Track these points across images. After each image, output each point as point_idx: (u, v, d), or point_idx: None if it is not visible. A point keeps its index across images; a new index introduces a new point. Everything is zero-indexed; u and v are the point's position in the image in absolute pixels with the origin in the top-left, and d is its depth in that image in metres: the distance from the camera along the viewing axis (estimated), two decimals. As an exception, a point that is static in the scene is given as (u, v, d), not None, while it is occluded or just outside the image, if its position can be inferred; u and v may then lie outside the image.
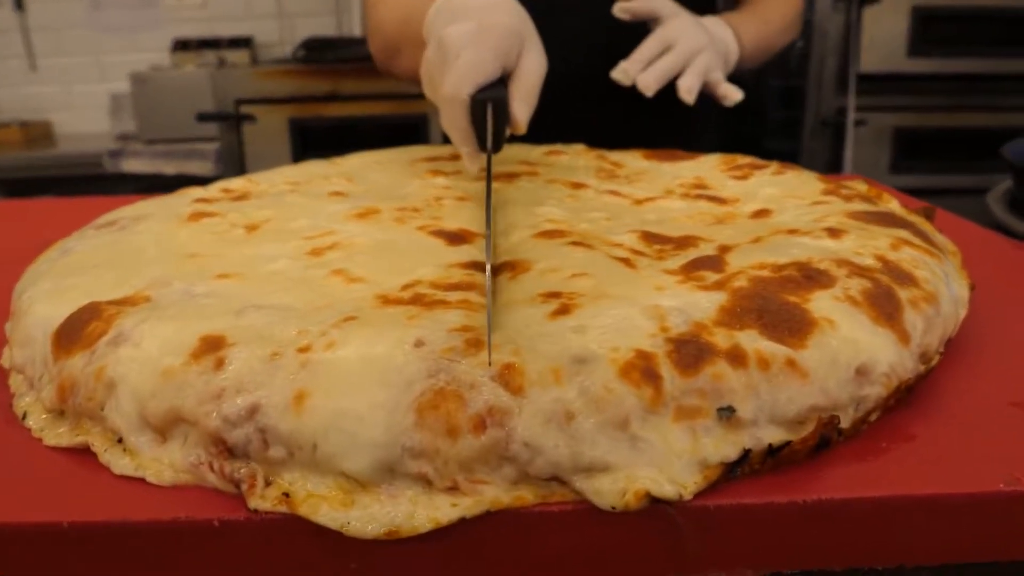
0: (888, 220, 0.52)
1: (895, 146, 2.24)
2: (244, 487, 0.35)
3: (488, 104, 0.58)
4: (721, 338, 0.37)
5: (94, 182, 2.27)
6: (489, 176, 0.53)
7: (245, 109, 2.18)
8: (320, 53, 2.27)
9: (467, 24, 0.60)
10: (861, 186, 0.64)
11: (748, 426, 0.36)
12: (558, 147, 0.83)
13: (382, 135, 2.17)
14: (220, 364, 0.37)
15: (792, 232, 0.51)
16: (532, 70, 0.63)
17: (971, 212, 0.80)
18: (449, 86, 0.59)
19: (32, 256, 0.55)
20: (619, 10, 0.87)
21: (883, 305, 0.41)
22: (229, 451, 0.35)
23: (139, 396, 0.37)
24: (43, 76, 2.73)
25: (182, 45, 2.53)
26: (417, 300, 0.42)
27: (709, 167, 0.72)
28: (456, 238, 0.51)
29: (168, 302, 0.43)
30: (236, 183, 0.68)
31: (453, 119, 0.60)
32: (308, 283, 0.45)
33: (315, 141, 2.21)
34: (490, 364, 0.35)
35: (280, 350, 0.37)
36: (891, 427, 0.40)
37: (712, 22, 0.92)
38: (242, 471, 0.35)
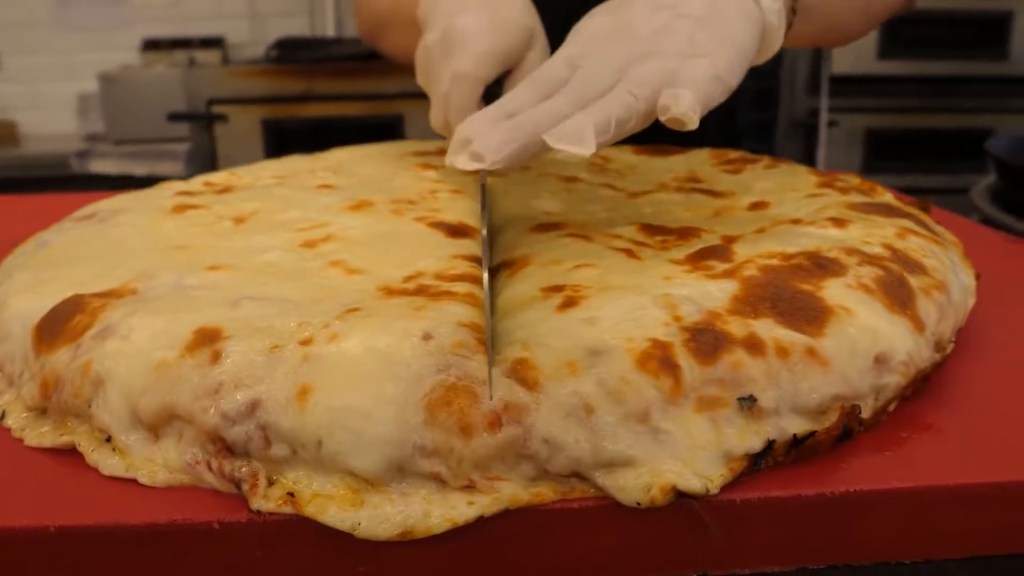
0: (889, 211, 0.52)
1: (867, 147, 2.27)
2: (246, 487, 0.33)
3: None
4: (736, 327, 0.36)
5: (61, 183, 2.22)
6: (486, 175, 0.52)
7: (217, 109, 2.14)
8: (294, 53, 2.23)
9: (479, 16, 0.57)
10: (854, 179, 0.64)
11: (770, 416, 0.35)
12: None
13: (357, 135, 2.11)
14: (217, 357, 0.35)
15: (795, 222, 0.50)
16: (537, 66, 0.61)
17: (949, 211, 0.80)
18: (466, 63, 0.55)
19: (3, 253, 0.52)
20: None
21: (896, 293, 0.41)
22: (228, 449, 0.34)
23: (129, 392, 0.35)
24: (8, 75, 2.65)
25: (152, 45, 2.48)
26: (422, 291, 0.41)
27: (700, 161, 0.71)
28: (456, 231, 0.50)
29: (157, 294, 0.41)
30: (218, 176, 0.65)
31: (462, 99, 0.56)
32: (305, 275, 0.43)
33: (289, 141, 2.17)
34: (491, 364, 0.34)
35: (280, 343, 0.35)
36: (909, 417, 0.39)
37: None
38: (243, 470, 0.33)
